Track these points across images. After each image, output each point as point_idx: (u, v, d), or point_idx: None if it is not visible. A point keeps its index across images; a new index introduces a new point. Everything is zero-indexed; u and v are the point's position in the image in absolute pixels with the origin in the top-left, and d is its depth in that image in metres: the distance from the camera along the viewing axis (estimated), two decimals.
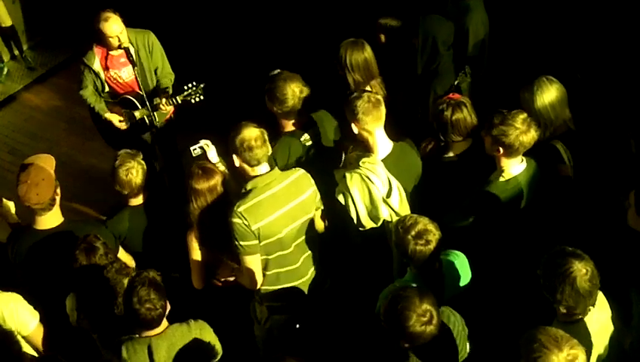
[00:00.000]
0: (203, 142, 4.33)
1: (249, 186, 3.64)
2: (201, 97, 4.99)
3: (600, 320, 3.07)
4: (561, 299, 2.90)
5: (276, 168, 3.73)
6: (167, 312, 3.27)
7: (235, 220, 3.57)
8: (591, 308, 2.95)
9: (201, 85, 4.98)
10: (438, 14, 5.03)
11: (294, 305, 3.92)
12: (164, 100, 5.03)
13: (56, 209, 3.84)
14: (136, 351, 3.26)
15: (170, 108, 5.21)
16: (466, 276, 3.57)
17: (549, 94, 3.99)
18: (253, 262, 3.68)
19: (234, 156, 3.67)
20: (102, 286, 3.49)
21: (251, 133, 3.58)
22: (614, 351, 3.17)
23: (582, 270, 2.87)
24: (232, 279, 4.00)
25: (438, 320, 2.90)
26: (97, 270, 3.53)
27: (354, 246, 4.11)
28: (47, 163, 3.85)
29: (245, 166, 3.66)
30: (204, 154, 4.26)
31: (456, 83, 5.08)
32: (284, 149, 4.16)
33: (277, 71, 4.39)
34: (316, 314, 4.01)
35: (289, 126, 4.25)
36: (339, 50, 4.51)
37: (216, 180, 3.77)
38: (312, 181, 3.80)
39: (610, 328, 3.15)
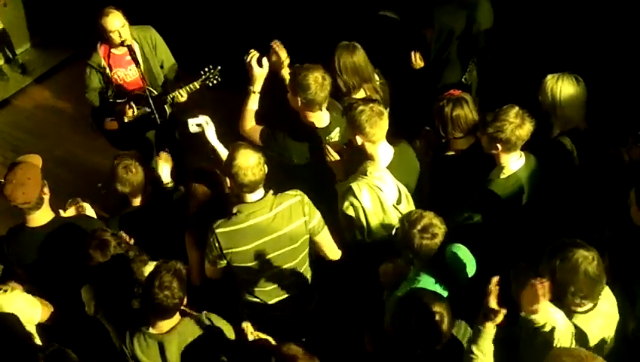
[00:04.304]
0: (202, 119, 4.15)
1: (234, 210, 3.59)
2: (219, 79, 4.92)
3: (606, 311, 3.10)
4: (576, 289, 2.95)
5: (270, 194, 3.62)
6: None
7: (210, 235, 3.59)
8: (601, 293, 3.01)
9: (218, 67, 4.90)
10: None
11: (274, 320, 3.84)
12: (181, 90, 4.99)
13: (46, 206, 3.82)
14: (149, 345, 3.29)
15: (185, 98, 5.15)
16: (471, 265, 3.48)
17: (575, 89, 4.01)
18: (208, 269, 3.77)
19: (227, 178, 3.65)
20: (120, 278, 3.51)
21: (247, 162, 3.48)
22: (618, 338, 3.20)
23: (588, 257, 2.94)
24: None
25: (448, 325, 2.87)
26: (114, 262, 3.53)
27: (356, 255, 4.00)
28: (34, 162, 3.83)
29: (237, 190, 3.61)
30: (202, 132, 4.11)
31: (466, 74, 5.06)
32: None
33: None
34: (299, 333, 3.83)
35: (311, 120, 4.13)
36: (334, 53, 4.39)
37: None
38: (307, 209, 3.68)
39: (615, 316, 3.17)
